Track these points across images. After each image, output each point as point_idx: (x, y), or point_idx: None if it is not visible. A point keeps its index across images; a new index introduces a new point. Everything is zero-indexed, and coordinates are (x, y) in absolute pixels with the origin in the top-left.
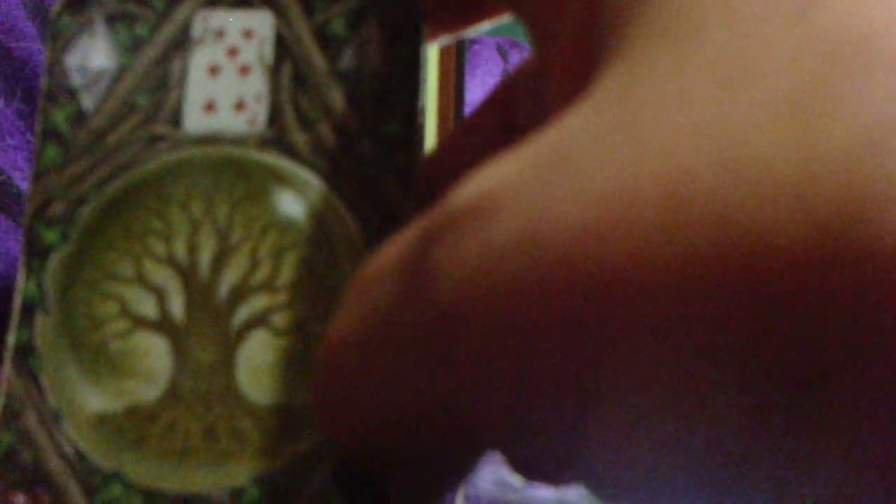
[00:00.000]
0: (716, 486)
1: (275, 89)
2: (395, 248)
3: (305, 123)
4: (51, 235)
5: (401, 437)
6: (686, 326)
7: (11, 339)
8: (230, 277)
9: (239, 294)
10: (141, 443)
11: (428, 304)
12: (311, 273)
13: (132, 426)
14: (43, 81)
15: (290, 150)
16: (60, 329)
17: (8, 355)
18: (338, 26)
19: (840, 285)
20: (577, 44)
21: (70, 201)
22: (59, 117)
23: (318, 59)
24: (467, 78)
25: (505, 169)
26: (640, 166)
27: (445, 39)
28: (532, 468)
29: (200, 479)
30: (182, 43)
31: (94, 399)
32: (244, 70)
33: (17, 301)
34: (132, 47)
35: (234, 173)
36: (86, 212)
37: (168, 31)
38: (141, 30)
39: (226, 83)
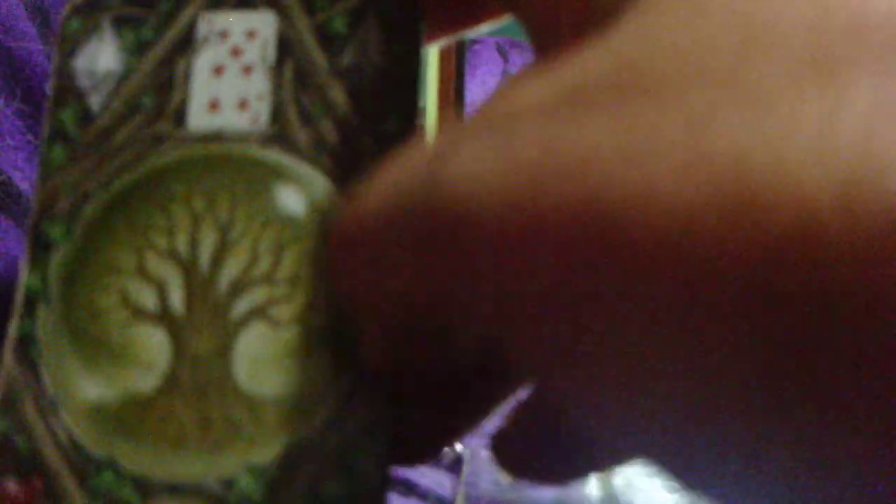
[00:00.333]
0: (692, 443)
1: (277, 88)
2: (429, 141)
3: (307, 121)
4: (55, 231)
5: (403, 316)
6: (692, 270)
7: (13, 330)
8: (230, 271)
9: (238, 287)
10: (135, 431)
11: (443, 195)
12: (311, 267)
13: (127, 415)
14: (51, 84)
15: (291, 147)
16: (61, 320)
17: (9, 345)
18: (339, 25)
19: (851, 245)
20: (577, 41)
21: (75, 198)
22: (67, 118)
23: (319, 58)
24: (467, 78)
25: (531, 91)
26: (660, 109)
27: (445, 41)
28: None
29: (192, 468)
30: (187, 44)
31: (91, 388)
32: (247, 70)
33: (20, 294)
34: (138, 49)
35: (235, 170)
36: (90, 208)
37: (173, 32)
38: (147, 32)
39: (229, 83)
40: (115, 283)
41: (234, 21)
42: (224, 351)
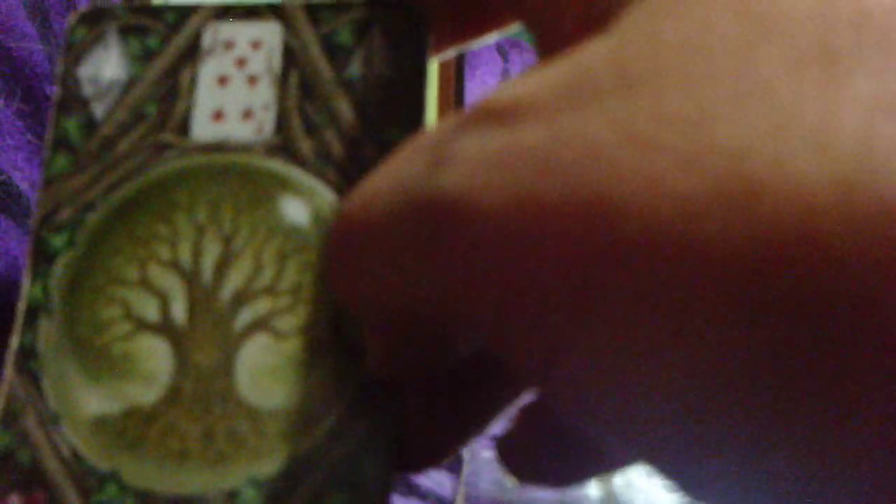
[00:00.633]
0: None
1: (282, 98)
2: (431, 133)
3: (311, 131)
4: (58, 240)
5: (404, 316)
6: (693, 264)
7: (15, 341)
8: (233, 282)
9: (241, 298)
10: (138, 444)
11: (444, 190)
12: (315, 278)
13: (130, 428)
14: (56, 92)
15: (295, 157)
16: (64, 332)
17: (10, 358)
18: (344, 36)
19: (851, 240)
20: (579, 41)
21: (78, 207)
22: (71, 127)
23: (324, 68)
24: (467, 78)
25: (537, 82)
26: (663, 102)
27: (450, 52)
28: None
29: (196, 481)
30: (192, 54)
31: (94, 401)
32: (252, 80)
33: (22, 305)
34: (143, 58)
35: (239, 180)
36: (93, 217)
37: (178, 42)
38: (152, 42)
39: (234, 92)
40: (118, 294)
41: (240, 31)
42: (227, 362)
